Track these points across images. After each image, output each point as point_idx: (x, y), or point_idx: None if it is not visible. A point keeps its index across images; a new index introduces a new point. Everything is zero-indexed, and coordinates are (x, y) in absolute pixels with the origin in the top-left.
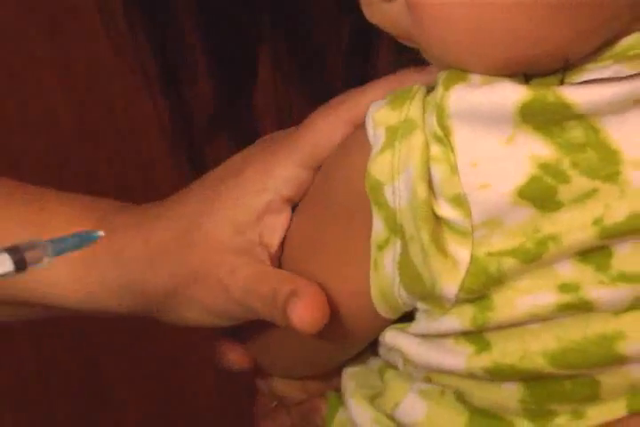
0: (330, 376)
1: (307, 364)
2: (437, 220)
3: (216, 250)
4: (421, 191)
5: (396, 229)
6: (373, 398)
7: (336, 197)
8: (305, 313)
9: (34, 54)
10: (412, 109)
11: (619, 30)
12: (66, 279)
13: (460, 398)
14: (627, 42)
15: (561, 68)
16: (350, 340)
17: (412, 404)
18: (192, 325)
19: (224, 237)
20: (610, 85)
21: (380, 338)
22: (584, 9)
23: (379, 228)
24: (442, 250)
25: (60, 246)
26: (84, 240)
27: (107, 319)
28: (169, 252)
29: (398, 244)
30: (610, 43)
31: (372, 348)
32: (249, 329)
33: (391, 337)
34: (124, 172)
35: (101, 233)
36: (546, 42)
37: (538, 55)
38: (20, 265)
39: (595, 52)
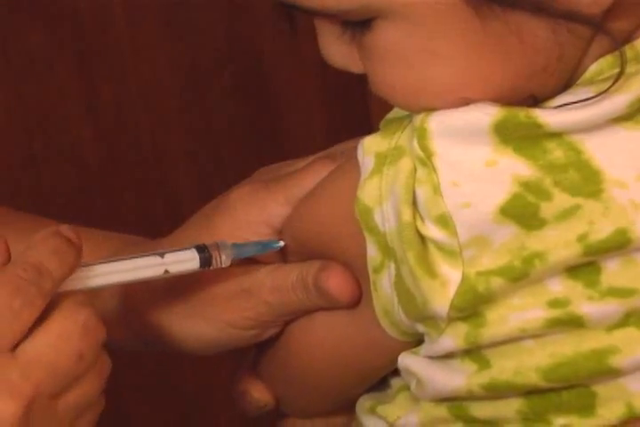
0: (352, 409)
1: (329, 396)
2: (424, 242)
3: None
4: (406, 215)
5: (388, 252)
6: (375, 406)
7: (323, 224)
8: (341, 281)
9: (62, 90)
10: (403, 138)
11: (578, 62)
12: None
13: (453, 410)
14: (594, 68)
15: (533, 102)
16: (371, 366)
17: (409, 417)
18: (209, 346)
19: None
20: (578, 107)
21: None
22: (512, 60)
23: (372, 252)
24: (429, 271)
25: (243, 250)
26: (265, 247)
27: (129, 359)
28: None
29: (392, 266)
30: (580, 71)
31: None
32: (269, 368)
33: (403, 359)
34: (150, 203)
35: (282, 243)
36: (487, 87)
37: (492, 97)
38: (206, 262)
39: (566, 83)
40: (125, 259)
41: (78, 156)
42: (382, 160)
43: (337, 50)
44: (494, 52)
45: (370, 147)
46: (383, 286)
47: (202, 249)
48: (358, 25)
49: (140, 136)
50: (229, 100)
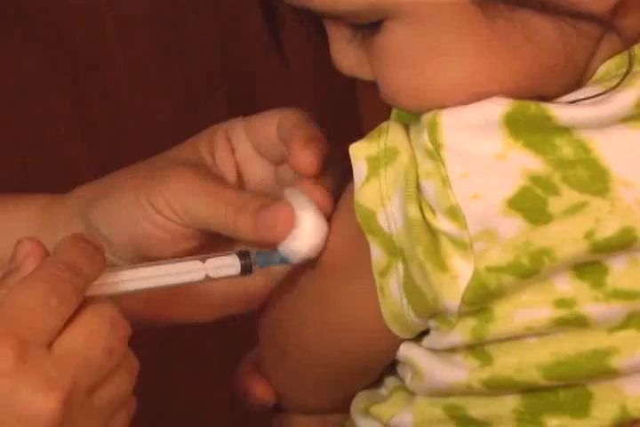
0: (348, 409)
1: (330, 392)
2: (436, 235)
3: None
4: (412, 211)
5: (395, 253)
6: (369, 406)
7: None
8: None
9: (55, 111)
10: (390, 138)
11: (586, 62)
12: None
13: (448, 410)
14: (603, 69)
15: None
16: (372, 359)
17: (403, 416)
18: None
19: (187, 154)
20: (587, 104)
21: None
22: (520, 59)
23: (377, 255)
24: (440, 265)
25: (268, 259)
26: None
27: None
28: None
29: (400, 267)
30: (589, 72)
31: (389, 369)
32: (271, 365)
33: (404, 349)
34: None
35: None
36: (495, 87)
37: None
38: (247, 268)
39: (575, 84)
40: (166, 263)
41: (72, 177)
42: (376, 163)
43: (347, 55)
44: (502, 52)
45: (358, 153)
46: (391, 289)
47: (244, 255)
48: (368, 27)
49: (133, 158)
50: (223, 120)
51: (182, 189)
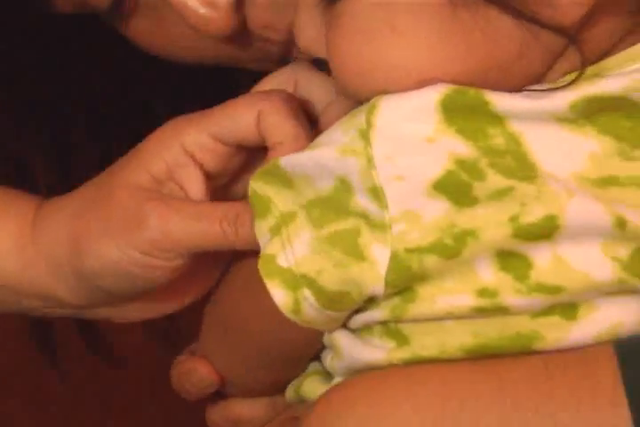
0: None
1: (271, 373)
2: (349, 222)
3: (138, 191)
4: (339, 224)
5: (297, 283)
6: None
7: None
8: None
9: None
10: (281, 204)
11: (543, 70)
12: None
13: None
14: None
15: None
16: (303, 342)
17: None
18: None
19: (143, 182)
20: (528, 96)
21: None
22: (474, 52)
23: (280, 298)
24: (358, 256)
25: None
26: None
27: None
28: (91, 205)
29: (308, 292)
30: (544, 80)
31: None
32: (213, 345)
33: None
34: None
35: None
36: (443, 76)
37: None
38: None
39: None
40: None
41: None
42: (277, 228)
43: (308, 25)
44: (458, 42)
45: (260, 233)
46: (312, 317)
47: None
48: None
49: None
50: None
51: (166, 226)
